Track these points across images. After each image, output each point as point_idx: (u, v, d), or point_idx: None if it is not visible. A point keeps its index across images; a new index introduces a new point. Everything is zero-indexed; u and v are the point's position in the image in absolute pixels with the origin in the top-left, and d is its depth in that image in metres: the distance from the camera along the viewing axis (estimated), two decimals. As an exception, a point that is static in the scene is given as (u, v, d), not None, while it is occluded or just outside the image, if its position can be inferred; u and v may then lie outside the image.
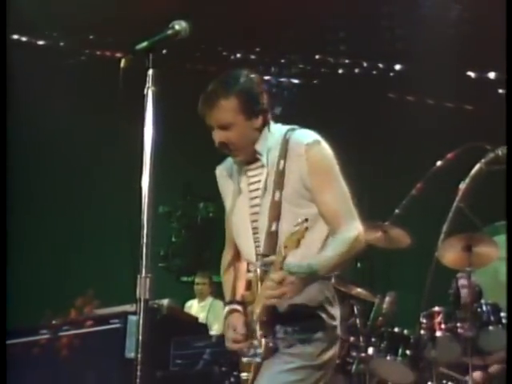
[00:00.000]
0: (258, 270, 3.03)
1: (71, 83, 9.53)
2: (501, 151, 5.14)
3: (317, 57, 10.18)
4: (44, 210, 10.56)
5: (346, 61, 10.06)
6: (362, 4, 9.13)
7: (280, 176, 3.04)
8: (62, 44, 9.96)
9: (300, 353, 2.98)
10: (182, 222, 11.53)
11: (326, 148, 3.08)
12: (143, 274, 2.54)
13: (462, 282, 5.10)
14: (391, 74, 9.97)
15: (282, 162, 3.05)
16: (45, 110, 9.78)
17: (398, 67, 9.93)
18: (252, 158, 3.13)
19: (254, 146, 3.09)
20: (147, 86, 2.66)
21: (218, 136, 3.07)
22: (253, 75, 3.13)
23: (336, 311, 3.13)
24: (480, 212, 5.32)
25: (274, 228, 3.02)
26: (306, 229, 2.76)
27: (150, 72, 2.67)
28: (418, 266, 5.86)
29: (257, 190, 3.13)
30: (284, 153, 3.06)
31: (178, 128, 8.15)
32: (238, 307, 3.17)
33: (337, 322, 3.11)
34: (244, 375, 3.12)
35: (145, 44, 2.70)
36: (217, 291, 8.55)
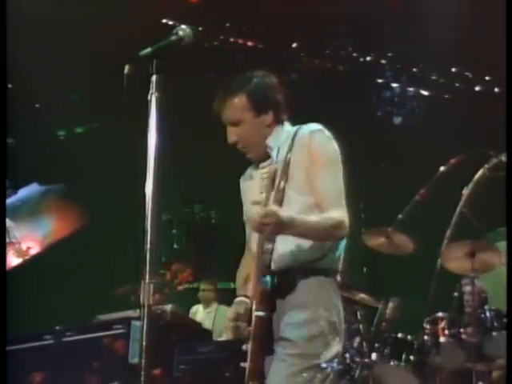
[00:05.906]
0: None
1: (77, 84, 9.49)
2: (504, 157, 5.14)
3: (453, 70, 9.60)
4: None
5: (487, 78, 9.45)
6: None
7: (286, 167, 3.13)
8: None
9: (303, 353, 3.02)
10: (184, 229, 11.55)
11: (328, 138, 3.18)
12: (147, 280, 2.55)
13: (466, 287, 5.10)
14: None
15: (289, 154, 3.15)
16: (45, 114, 9.76)
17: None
18: (265, 155, 3.25)
19: (265, 141, 3.22)
20: (151, 92, 2.69)
21: (229, 133, 3.22)
22: (268, 76, 3.25)
23: (338, 305, 3.17)
24: (483, 217, 5.32)
25: None
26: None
27: (154, 78, 2.70)
28: (421, 271, 5.85)
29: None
30: (291, 146, 3.17)
31: (181, 134, 8.14)
32: (247, 300, 3.26)
33: (337, 318, 3.14)
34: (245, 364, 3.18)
35: (148, 50, 2.72)
36: (222, 298, 8.58)
